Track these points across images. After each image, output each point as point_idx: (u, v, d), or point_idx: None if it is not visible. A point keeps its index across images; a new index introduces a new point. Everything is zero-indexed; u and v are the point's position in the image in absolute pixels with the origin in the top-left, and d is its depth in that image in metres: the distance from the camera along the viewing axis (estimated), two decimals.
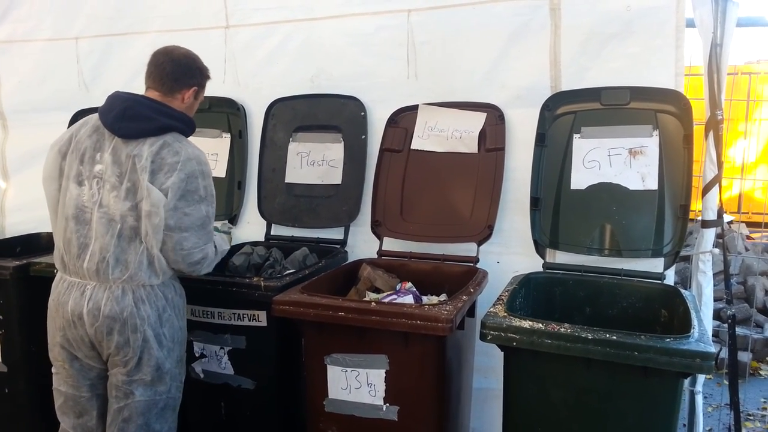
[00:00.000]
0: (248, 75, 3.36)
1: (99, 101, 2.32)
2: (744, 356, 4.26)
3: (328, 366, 2.26)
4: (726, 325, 2.91)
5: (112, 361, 2.24)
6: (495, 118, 2.87)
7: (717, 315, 4.38)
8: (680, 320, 2.20)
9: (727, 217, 3.05)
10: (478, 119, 2.89)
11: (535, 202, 2.73)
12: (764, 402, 4.20)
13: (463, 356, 2.53)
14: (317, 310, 2.19)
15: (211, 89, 2.55)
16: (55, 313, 2.27)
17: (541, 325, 1.97)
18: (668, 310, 2.40)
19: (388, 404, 2.21)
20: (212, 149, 3.30)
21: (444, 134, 2.94)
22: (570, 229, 2.68)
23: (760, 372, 4.68)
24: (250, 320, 2.52)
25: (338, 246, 3.07)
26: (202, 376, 2.66)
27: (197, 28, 3.34)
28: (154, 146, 2.17)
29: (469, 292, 2.30)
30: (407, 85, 3.05)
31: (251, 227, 3.31)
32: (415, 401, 2.19)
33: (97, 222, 2.19)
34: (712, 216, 2.65)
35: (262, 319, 2.50)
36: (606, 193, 2.63)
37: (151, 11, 3.49)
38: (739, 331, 4.05)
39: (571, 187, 2.68)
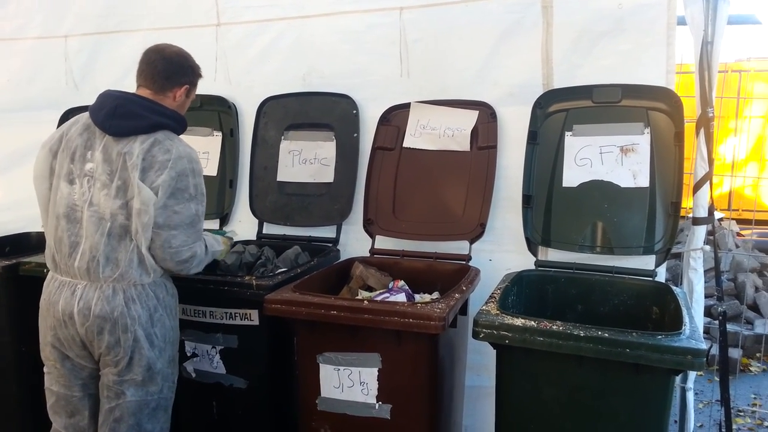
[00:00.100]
0: (240, 73, 3.35)
1: (89, 100, 2.31)
2: (734, 353, 4.29)
3: (320, 365, 2.25)
4: (717, 322, 2.93)
5: (103, 360, 2.22)
6: (487, 116, 2.87)
7: (708, 312, 4.40)
8: (671, 317, 2.21)
9: (717, 215, 3.06)
10: (471, 117, 2.89)
11: (527, 200, 2.73)
12: (754, 398, 4.23)
13: (456, 354, 2.53)
14: (309, 308, 2.18)
15: (203, 87, 2.53)
16: (46, 313, 2.26)
17: (533, 322, 1.97)
18: (660, 307, 2.41)
19: (380, 403, 2.20)
20: (203, 147, 3.29)
21: (436, 132, 2.94)
22: (562, 226, 2.69)
23: (751, 368, 4.71)
24: (242, 319, 2.51)
25: (330, 244, 3.07)
26: (193, 375, 2.65)
27: (188, 26, 3.32)
28: (145, 144, 2.15)
29: (461, 290, 2.30)
30: (399, 83, 3.04)
31: (243, 226, 3.29)
32: (408, 399, 2.19)
33: (87, 221, 2.17)
34: (703, 213, 2.66)
35: (254, 318, 2.49)
36: (598, 190, 2.64)
37: (141, 9, 3.46)
38: (730, 327, 4.07)
39: (563, 185, 2.68)
